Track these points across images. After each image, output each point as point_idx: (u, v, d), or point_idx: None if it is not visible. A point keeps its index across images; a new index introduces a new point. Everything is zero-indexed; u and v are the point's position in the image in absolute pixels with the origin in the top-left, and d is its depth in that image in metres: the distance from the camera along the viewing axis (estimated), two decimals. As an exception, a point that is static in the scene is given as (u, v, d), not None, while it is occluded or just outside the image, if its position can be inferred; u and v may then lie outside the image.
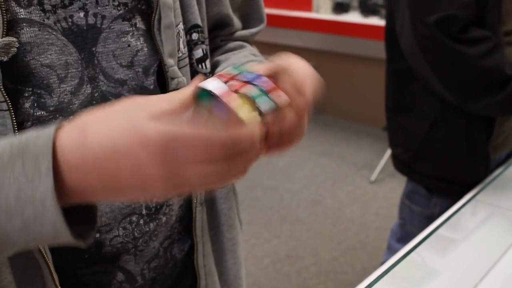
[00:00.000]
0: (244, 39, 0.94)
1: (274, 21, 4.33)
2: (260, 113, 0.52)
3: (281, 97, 0.54)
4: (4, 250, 0.50)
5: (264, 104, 0.52)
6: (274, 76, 0.56)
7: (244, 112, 0.50)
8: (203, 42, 0.80)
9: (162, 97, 0.49)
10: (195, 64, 0.79)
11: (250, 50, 0.89)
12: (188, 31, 0.77)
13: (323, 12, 4.28)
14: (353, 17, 4.11)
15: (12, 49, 0.60)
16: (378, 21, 3.77)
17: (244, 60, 0.81)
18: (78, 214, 0.52)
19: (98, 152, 0.46)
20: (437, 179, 1.60)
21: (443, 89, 1.45)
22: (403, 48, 1.49)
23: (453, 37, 1.35)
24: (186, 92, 0.50)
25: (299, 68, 0.59)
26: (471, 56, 1.36)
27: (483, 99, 1.40)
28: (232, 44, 0.91)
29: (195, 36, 0.78)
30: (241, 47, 0.90)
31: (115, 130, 0.46)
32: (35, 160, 0.46)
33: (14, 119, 0.61)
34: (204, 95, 0.51)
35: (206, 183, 0.48)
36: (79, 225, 0.51)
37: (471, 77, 1.39)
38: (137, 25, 0.70)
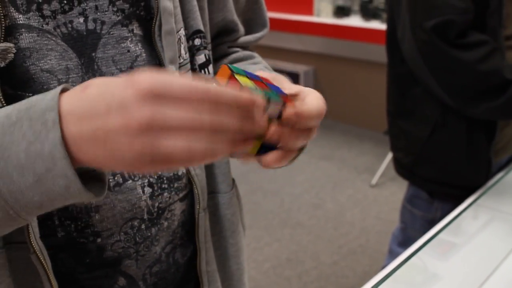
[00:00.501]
0: (249, 44, 0.94)
1: (276, 25, 4.32)
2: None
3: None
4: (20, 211, 0.50)
5: (276, 100, 0.53)
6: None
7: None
8: (205, 48, 0.80)
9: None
10: (197, 69, 0.79)
11: (263, 63, 0.90)
12: (190, 36, 0.78)
13: (324, 16, 4.29)
14: (354, 21, 4.12)
15: (9, 55, 0.60)
16: (379, 25, 3.78)
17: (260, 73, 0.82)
18: (88, 176, 0.52)
19: (94, 95, 0.47)
20: (438, 183, 1.61)
21: (443, 94, 1.45)
22: (404, 52, 1.50)
23: (450, 42, 1.36)
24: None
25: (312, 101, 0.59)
26: (467, 61, 1.37)
27: (483, 104, 1.41)
28: (241, 54, 0.91)
29: (197, 41, 0.78)
30: (251, 57, 0.91)
31: (113, 80, 0.47)
32: (42, 114, 0.47)
33: None
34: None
35: (189, 144, 0.46)
36: (91, 187, 0.51)
37: (469, 81, 1.40)
38: (134, 31, 0.70)
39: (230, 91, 0.46)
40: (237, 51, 0.92)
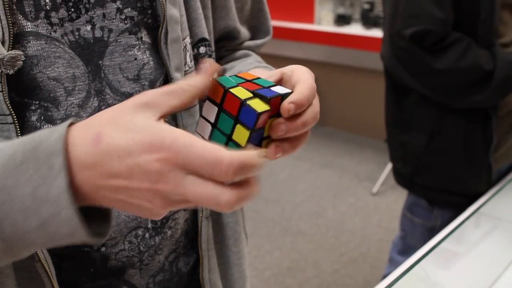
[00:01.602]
0: (250, 50, 0.94)
1: (277, 33, 4.32)
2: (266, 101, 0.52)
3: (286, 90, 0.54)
4: (21, 250, 0.50)
5: (267, 93, 0.53)
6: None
7: (252, 102, 0.51)
8: (210, 56, 0.80)
9: (172, 92, 0.49)
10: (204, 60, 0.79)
11: (255, 57, 0.90)
12: (196, 44, 0.78)
13: (325, 24, 4.30)
14: (355, 29, 4.13)
15: (18, 62, 0.60)
16: (379, 33, 3.77)
17: (250, 66, 0.81)
18: (93, 212, 0.52)
19: (112, 153, 0.46)
20: (438, 191, 1.61)
21: (431, 94, 1.48)
22: (381, 57, 1.54)
23: (426, 49, 1.40)
24: (195, 84, 0.50)
25: (303, 79, 0.58)
26: (442, 66, 1.40)
27: (471, 98, 1.42)
28: (237, 54, 0.91)
29: (202, 49, 0.79)
30: (246, 55, 0.91)
31: (130, 133, 0.46)
32: (48, 158, 0.46)
33: (19, 133, 0.61)
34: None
35: (202, 199, 0.46)
36: (94, 223, 0.51)
37: (452, 80, 1.43)
38: (143, 39, 0.70)
39: (252, 159, 0.45)
40: (232, 53, 0.92)
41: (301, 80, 0.56)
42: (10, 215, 0.47)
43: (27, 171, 0.47)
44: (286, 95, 0.54)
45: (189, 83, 0.50)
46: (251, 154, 0.45)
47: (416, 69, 1.47)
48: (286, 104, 0.52)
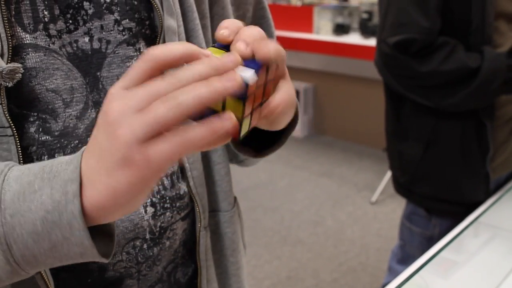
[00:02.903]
0: None
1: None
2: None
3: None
4: (29, 270, 0.52)
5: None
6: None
7: None
8: None
9: None
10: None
11: None
12: None
13: (323, 33, 4.31)
14: (354, 38, 4.13)
15: (17, 75, 0.60)
16: (378, 43, 3.78)
17: None
18: (97, 231, 0.53)
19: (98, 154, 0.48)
20: (436, 200, 1.61)
21: (418, 98, 1.49)
22: (375, 64, 1.57)
23: (410, 55, 1.43)
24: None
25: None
26: (426, 71, 1.42)
27: (458, 94, 1.44)
28: None
29: None
30: None
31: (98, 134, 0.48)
32: (64, 185, 0.48)
33: (19, 145, 0.61)
34: None
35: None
36: (100, 242, 0.52)
37: (437, 81, 1.45)
38: (141, 50, 0.70)
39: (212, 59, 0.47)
40: None
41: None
42: (22, 238, 0.49)
43: (41, 197, 0.48)
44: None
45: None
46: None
47: (401, 73, 1.49)
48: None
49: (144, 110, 0.45)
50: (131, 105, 0.45)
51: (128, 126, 0.44)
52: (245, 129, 0.53)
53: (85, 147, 0.51)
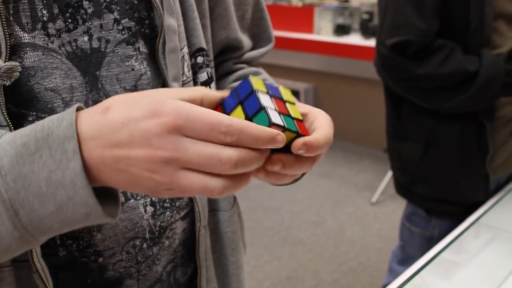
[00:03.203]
0: (254, 60, 0.94)
1: (276, 42, 4.31)
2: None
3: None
4: (39, 236, 0.52)
5: (291, 129, 0.52)
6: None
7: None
8: (208, 66, 0.80)
9: (184, 88, 0.51)
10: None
11: (265, 75, 0.90)
12: (193, 54, 0.78)
13: (324, 34, 4.31)
14: (354, 39, 4.14)
15: (15, 74, 0.60)
16: (378, 43, 3.77)
17: None
18: (102, 194, 0.53)
19: (116, 122, 0.48)
20: (436, 200, 1.61)
21: (416, 100, 1.49)
22: (374, 65, 1.58)
23: (407, 57, 1.43)
24: (208, 90, 0.52)
25: (325, 127, 0.57)
26: (423, 73, 1.42)
27: (456, 98, 1.43)
28: (247, 70, 0.91)
29: (200, 59, 0.78)
30: (257, 73, 0.91)
31: (136, 105, 0.48)
32: (61, 143, 0.48)
33: None
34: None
35: (205, 180, 0.47)
36: (105, 203, 0.52)
37: (435, 84, 1.45)
38: (141, 49, 0.70)
39: (252, 127, 0.47)
40: (243, 67, 0.92)
41: (322, 128, 0.56)
42: (27, 201, 0.49)
43: (41, 158, 0.48)
44: (301, 135, 0.53)
45: (202, 88, 0.52)
46: (252, 124, 0.47)
47: (399, 75, 1.50)
48: (299, 143, 0.52)
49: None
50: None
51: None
52: None
53: (78, 104, 0.51)
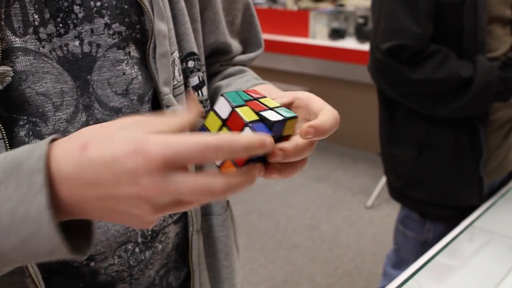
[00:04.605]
0: (243, 64, 0.94)
1: (271, 46, 4.35)
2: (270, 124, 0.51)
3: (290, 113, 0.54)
4: (1, 267, 0.50)
5: (273, 116, 0.52)
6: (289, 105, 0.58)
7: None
8: (199, 70, 0.80)
9: (160, 120, 0.48)
10: (191, 91, 0.79)
11: (252, 74, 0.89)
12: (184, 58, 0.78)
13: (319, 38, 4.31)
14: (349, 43, 4.14)
15: (7, 78, 0.60)
16: (373, 47, 3.78)
17: (248, 84, 0.80)
18: (74, 226, 0.51)
19: (98, 161, 0.45)
20: (429, 204, 1.61)
21: (410, 104, 1.49)
22: (368, 70, 1.59)
23: (402, 62, 1.43)
24: (184, 117, 0.49)
25: (328, 108, 0.57)
26: (418, 78, 1.42)
27: (451, 104, 1.43)
28: (232, 69, 0.91)
29: (191, 63, 0.78)
30: (241, 71, 0.90)
31: (116, 142, 0.45)
32: (29, 177, 0.46)
33: (9, 148, 0.61)
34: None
35: (196, 191, 0.46)
36: (76, 238, 0.50)
37: (429, 90, 1.45)
38: (131, 54, 0.70)
39: (240, 139, 0.45)
40: (227, 68, 0.92)
41: (326, 110, 0.56)
42: None
43: (6, 190, 0.46)
44: (291, 118, 0.53)
45: (176, 116, 0.49)
46: (238, 136, 0.46)
47: (394, 80, 1.50)
48: (306, 127, 0.52)
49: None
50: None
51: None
52: None
53: (53, 136, 0.49)
